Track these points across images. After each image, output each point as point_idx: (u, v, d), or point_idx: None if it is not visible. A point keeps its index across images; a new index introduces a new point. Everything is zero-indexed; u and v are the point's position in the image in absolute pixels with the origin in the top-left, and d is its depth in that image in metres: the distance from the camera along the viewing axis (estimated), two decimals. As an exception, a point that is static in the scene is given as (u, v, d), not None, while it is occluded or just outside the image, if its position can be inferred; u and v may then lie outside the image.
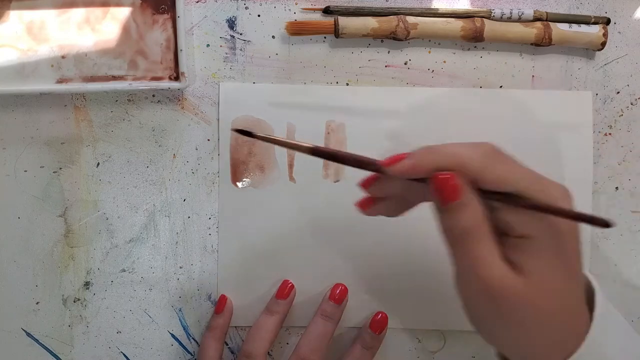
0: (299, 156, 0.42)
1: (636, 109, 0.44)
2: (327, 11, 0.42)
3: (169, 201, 0.43)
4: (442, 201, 0.25)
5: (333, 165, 0.42)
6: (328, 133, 0.42)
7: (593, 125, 0.43)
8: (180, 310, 0.43)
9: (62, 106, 0.42)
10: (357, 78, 0.43)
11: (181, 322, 0.43)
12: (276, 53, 0.43)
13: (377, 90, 0.43)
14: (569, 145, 0.43)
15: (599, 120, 0.44)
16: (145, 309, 0.43)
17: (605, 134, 0.44)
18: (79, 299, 0.43)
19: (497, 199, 0.26)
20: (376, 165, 0.26)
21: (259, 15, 0.42)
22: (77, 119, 0.42)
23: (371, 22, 0.41)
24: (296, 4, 0.42)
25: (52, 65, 0.40)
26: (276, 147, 0.42)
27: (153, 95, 0.42)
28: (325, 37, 0.43)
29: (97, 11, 0.40)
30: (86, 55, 0.40)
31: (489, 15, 0.42)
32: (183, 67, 0.39)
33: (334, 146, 0.42)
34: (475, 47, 0.43)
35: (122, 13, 0.40)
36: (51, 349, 0.43)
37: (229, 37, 0.42)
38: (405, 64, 0.43)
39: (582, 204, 0.43)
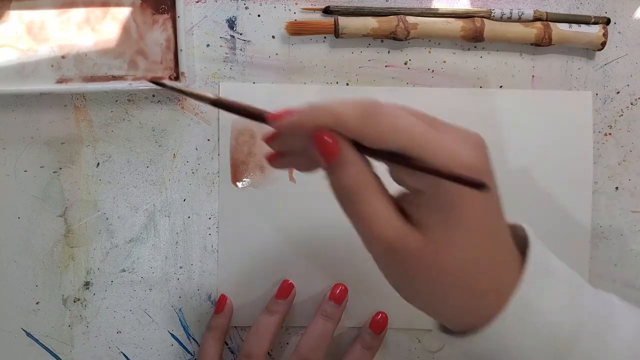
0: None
1: (636, 109, 0.44)
2: (327, 11, 0.42)
3: (169, 201, 0.43)
4: (324, 160, 0.25)
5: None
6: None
7: (593, 125, 0.43)
8: (180, 310, 0.43)
9: (62, 106, 0.42)
10: (357, 78, 0.43)
11: (181, 322, 0.43)
12: (276, 53, 0.43)
13: (377, 90, 0.43)
14: (569, 145, 0.43)
15: (599, 120, 0.44)
16: (145, 309, 0.43)
17: (605, 134, 0.44)
18: (79, 299, 0.43)
19: (382, 157, 0.25)
20: (264, 118, 0.26)
21: (259, 15, 0.42)
22: (77, 119, 0.42)
23: (371, 22, 0.41)
24: (296, 4, 0.42)
25: (52, 65, 0.40)
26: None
27: (153, 95, 0.42)
28: (325, 37, 0.43)
29: (97, 11, 0.40)
30: (86, 55, 0.40)
31: (489, 15, 0.42)
32: (183, 67, 0.39)
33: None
34: (475, 47, 0.43)
35: (122, 13, 0.40)
36: (51, 349, 0.43)
37: (229, 37, 0.42)
38: (405, 64, 0.43)
39: (582, 204, 0.43)
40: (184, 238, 0.43)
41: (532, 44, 0.43)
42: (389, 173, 0.26)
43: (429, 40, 0.43)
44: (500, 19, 0.42)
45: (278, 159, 0.29)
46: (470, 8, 0.43)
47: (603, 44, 0.42)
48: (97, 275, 0.43)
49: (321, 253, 0.42)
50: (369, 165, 0.25)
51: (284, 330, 0.43)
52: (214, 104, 0.27)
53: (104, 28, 0.40)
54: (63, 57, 0.40)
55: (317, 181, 0.43)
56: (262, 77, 0.42)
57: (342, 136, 0.25)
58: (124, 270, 0.43)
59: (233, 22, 0.42)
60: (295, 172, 0.42)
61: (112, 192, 0.42)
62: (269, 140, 0.28)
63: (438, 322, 0.29)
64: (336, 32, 0.41)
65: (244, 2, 0.42)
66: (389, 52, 0.43)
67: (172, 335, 0.43)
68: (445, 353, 0.44)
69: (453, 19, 0.42)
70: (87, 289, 0.43)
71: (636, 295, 0.44)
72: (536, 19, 0.43)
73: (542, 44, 0.42)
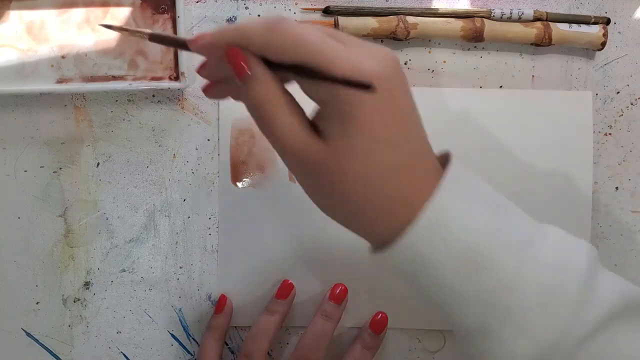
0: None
1: (636, 109, 0.44)
2: (327, 11, 0.42)
3: (169, 201, 0.43)
4: (236, 77, 0.26)
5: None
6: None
7: (593, 125, 0.43)
8: (180, 310, 0.43)
9: (62, 106, 0.42)
10: (357, 78, 0.43)
11: (181, 322, 0.43)
12: (276, 53, 0.42)
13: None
14: (569, 145, 0.43)
15: (599, 120, 0.44)
16: (145, 309, 0.43)
17: (605, 134, 0.44)
18: (79, 299, 0.43)
19: (290, 71, 0.26)
20: (185, 43, 0.27)
21: (259, 15, 0.42)
22: (77, 119, 0.42)
23: (371, 22, 0.41)
24: (296, 4, 0.42)
25: (52, 65, 0.40)
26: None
27: (153, 95, 0.42)
28: (325, 37, 0.43)
29: (97, 11, 0.40)
30: (86, 55, 0.40)
31: (489, 15, 0.42)
32: (183, 67, 0.39)
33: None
34: (475, 47, 0.43)
35: (122, 13, 0.40)
36: (51, 349, 0.42)
37: (229, 37, 0.42)
38: (405, 64, 0.43)
39: (582, 204, 0.43)
40: (184, 238, 0.43)
41: (532, 44, 0.43)
42: (300, 88, 0.27)
43: (429, 40, 0.43)
44: (500, 19, 0.42)
45: (211, 89, 0.30)
46: (470, 8, 0.43)
47: (603, 44, 0.42)
48: (97, 275, 0.43)
49: (321, 253, 0.42)
50: (278, 81, 0.26)
51: (284, 330, 0.43)
52: (151, 39, 0.29)
53: (104, 28, 0.40)
54: (63, 57, 0.40)
55: (317, 181, 0.43)
56: (262, 77, 0.42)
57: (251, 53, 0.26)
58: (124, 270, 0.43)
59: (233, 22, 0.42)
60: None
61: (112, 192, 0.42)
62: (200, 70, 0.29)
63: (362, 237, 0.29)
64: (336, 32, 0.41)
65: (244, 2, 0.42)
66: (389, 52, 0.43)
67: (172, 335, 0.43)
68: (445, 353, 0.44)
69: (453, 19, 0.42)
70: (87, 289, 0.43)
71: (636, 295, 0.44)
72: (536, 19, 0.43)
73: (542, 44, 0.42)
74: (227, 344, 0.43)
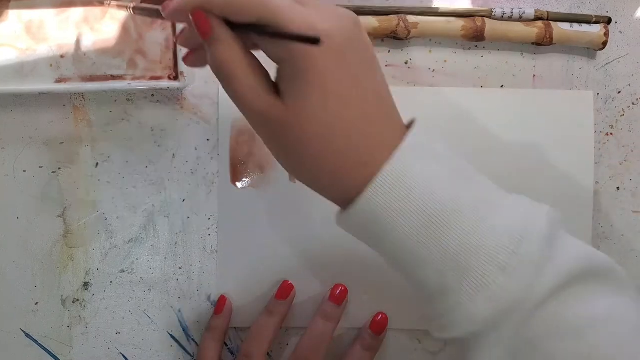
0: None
1: (637, 109, 0.44)
2: (327, 10, 0.42)
3: (168, 201, 0.43)
4: (201, 38, 0.27)
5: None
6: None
7: (594, 125, 0.43)
8: (179, 311, 0.43)
9: (61, 106, 0.42)
10: (357, 78, 0.43)
11: (180, 323, 0.43)
12: (276, 52, 0.42)
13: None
14: (570, 145, 0.43)
15: (600, 120, 0.44)
16: (145, 310, 0.43)
17: (607, 134, 0.44)
18: (78, 300, 0.42)
19: (251, 31, 0.27)
20: (158, 10, 0.29)
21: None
22: (76, 119, 0.42)
23: (371, 22, 0.41)
24: (296, 3, 0.42)
25: (51, 65, 0.40)
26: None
27: (152, 95, 0.42)
28: (325, 37, 0.42)
29: (96, 10, 0.40)
30: (85, 55, 0.40)
31: (490, 15, 0.42)
32: (182, 67, 0.39)
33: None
34: (476, 46, 0.43)
35: (122, 12, 0.40)
36: (50, 350, 0.42)
37: (228, 37, 0.42)
38: (406, 63, 0.43)
39: (583, 204, 0.43)
40: (183, 238, 0.43)
41: (533, 44, 0.43)
42: (262, 50, 0.28)
43: (430, 40, 0.43)
44: (501, 18, 0.42)
45: (190, 57, 0.31)
46: (471, 7, 0.43)
47: (604, 44, 0.42)
48: (96, 275, 0.42)
49: (321, 253, 0.42)
50: (241, 43, 0.27)
51: (283, 331, 0.43)
52: (134, 11, 0.32)
53: (103, 27, 0.40)
54: (62, 56, 0.40)
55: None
56: (261, 76, 0.42)
57: (214, 15, 0.26)
58: (123, 271, 0.43)
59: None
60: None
61: (111, 192, 0.42)
62: (178, 38, 0.30)
63: (328, 199, 0.29)
64: (336, 31, 0.41)
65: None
66: (389, 51, 0.43)
67: (172, 336, 0.43)
68: (446, 354, 0.44)
69: (454, 18, 0.42)
70: (86, 289, 0.42)
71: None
72: (537, 18, 0.42)
73: (543, 43, 0.42)
74: (226, 345, 0.43)
